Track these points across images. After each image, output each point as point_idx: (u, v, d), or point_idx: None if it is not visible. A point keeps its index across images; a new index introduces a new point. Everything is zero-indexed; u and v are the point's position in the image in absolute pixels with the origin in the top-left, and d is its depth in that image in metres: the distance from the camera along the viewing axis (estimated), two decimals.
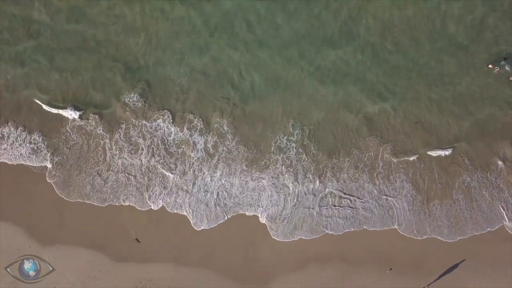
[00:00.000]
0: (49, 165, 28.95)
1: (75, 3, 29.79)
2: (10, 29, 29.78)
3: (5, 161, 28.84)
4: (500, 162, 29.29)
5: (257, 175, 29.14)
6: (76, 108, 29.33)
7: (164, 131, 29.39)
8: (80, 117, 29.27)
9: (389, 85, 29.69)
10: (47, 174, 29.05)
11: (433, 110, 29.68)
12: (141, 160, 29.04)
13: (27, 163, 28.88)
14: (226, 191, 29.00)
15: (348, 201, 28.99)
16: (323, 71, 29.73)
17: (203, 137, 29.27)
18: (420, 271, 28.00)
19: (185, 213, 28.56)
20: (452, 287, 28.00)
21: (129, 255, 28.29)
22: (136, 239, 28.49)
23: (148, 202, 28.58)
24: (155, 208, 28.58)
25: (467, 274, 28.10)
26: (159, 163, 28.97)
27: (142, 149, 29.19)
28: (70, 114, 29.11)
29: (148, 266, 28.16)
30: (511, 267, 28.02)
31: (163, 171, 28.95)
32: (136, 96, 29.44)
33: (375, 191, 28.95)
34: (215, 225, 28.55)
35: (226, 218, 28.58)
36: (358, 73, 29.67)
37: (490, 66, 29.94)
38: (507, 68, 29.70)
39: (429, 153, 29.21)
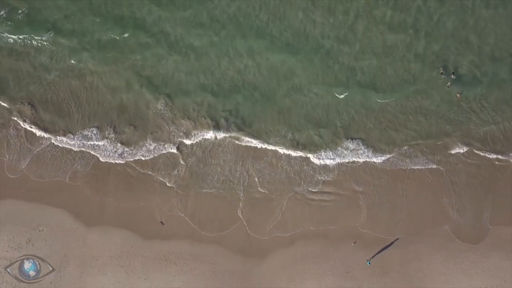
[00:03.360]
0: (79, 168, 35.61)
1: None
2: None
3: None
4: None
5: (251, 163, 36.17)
6: (114, 130, 36.36)
7: (186, 129, 36.50)
8: (115, 131, 36.38)
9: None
10: (69, 177, 35.10)
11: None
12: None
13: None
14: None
15: (328, 195, 35.77)
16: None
17: (213, 133, 36.48)
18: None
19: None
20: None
21: (156, 234, 34.51)
22: (161, 222, 34.78)
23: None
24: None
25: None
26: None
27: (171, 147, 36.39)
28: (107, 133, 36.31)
29: (170, 243, 34.35)
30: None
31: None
32: (163, 107, 36.62)
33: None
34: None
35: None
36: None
37: (442, 72, 37.14)
38: (453, 76, 37.05)
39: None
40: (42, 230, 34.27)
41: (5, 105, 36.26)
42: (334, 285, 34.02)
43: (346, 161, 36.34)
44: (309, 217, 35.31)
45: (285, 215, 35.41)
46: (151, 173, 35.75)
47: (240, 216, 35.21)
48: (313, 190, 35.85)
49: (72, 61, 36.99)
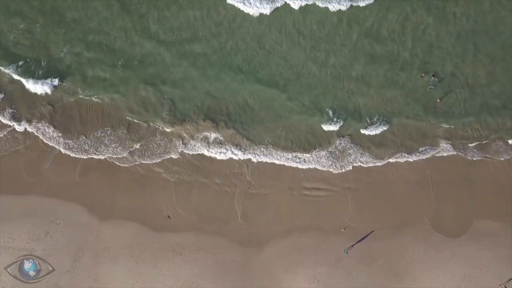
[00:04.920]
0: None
1: None
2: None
3: None
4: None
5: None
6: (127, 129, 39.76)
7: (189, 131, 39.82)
8: (128, 129, 39.73)
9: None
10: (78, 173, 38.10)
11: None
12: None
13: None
14: None
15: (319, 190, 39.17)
16: None
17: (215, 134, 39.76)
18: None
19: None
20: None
21: (163, 227, 37.44)
22: (168, 216, 37.82)
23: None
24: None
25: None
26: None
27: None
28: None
29: (176, 235, 37.31)
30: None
31: None
32: (166, 111, 39.85)
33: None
34: None
35: None
36: None
37: (422, 75, 40.49)
38: (432, 79, 40.32)
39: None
40: (59, 223, 37.32)
41: (25, 126, 39.32)
42: (326, 273, 37.30)
43: (337, 160, 39.68)
44: (304, 211, 38.44)
45: (281, 210, 38.53)
46: (157, 169, 38.96)
47: (238, 210, 38.35)
48: (307, 187, 39.16)
49: (81, 95, 39.99)
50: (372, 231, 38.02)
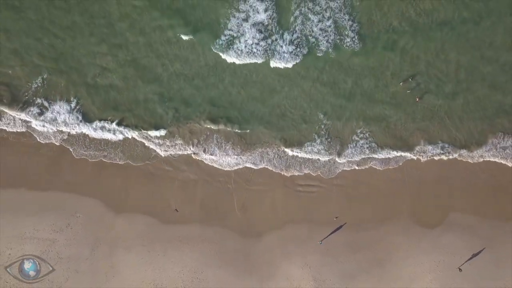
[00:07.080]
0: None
1: None
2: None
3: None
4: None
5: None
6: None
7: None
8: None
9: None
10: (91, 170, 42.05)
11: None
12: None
13: None
14: None
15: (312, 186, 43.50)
16: None
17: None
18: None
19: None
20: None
21: (171, 219, 41.68)
22: (175, 209, 42.11)
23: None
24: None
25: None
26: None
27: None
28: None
29: (183, 227, 41.54)
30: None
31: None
32: (170, 117, 43.71)
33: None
34: None
35: None
36: None
37: (401, 83, 44.22)
38: (410, 81, 43.79)
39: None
40: (79, 216, 41.49)
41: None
42: (317, 261, 41.81)
43: (327, 159, 44.10)
44: (297, 206, 42.73)
45: (277, 204, 42.75)
46: (166, 167, 43.11)
47: (236, 205, 42.57)
48: (301, 183, 43.57)
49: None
50: (345, 223, 42.36)
